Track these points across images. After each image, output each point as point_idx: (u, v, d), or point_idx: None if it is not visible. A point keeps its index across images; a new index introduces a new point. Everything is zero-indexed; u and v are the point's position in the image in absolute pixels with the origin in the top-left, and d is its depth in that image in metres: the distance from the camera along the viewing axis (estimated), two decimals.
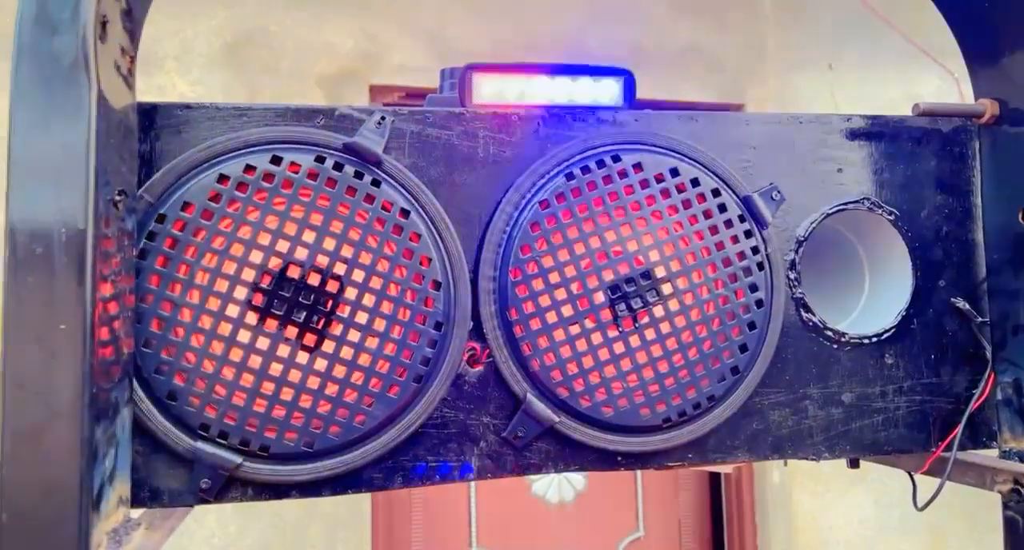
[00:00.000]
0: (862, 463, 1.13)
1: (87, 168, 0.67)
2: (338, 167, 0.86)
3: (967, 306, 1.05)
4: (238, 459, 0.83)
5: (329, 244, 0.85)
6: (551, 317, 0.91)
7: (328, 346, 0.85)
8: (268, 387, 0.83)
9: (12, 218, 0.65)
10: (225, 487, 0.84)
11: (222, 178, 0.83)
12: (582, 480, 3.00)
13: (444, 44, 2.80)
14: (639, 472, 3.02)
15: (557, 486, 2.97)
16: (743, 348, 0.96)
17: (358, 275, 0.85)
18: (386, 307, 0.86)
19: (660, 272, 0.93)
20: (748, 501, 3.07)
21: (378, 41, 2.76)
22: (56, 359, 0.65)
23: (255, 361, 0.83)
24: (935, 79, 3.07)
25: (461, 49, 2.79)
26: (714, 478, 3.16)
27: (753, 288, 0.96)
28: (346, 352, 0.85)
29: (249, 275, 0.83)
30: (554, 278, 0.91)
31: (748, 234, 0.96)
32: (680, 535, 3.11)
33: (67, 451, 0.65)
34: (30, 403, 0.64)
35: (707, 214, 0.95)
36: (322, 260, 0.85)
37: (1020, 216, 1.02)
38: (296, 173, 0.85)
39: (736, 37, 3.12)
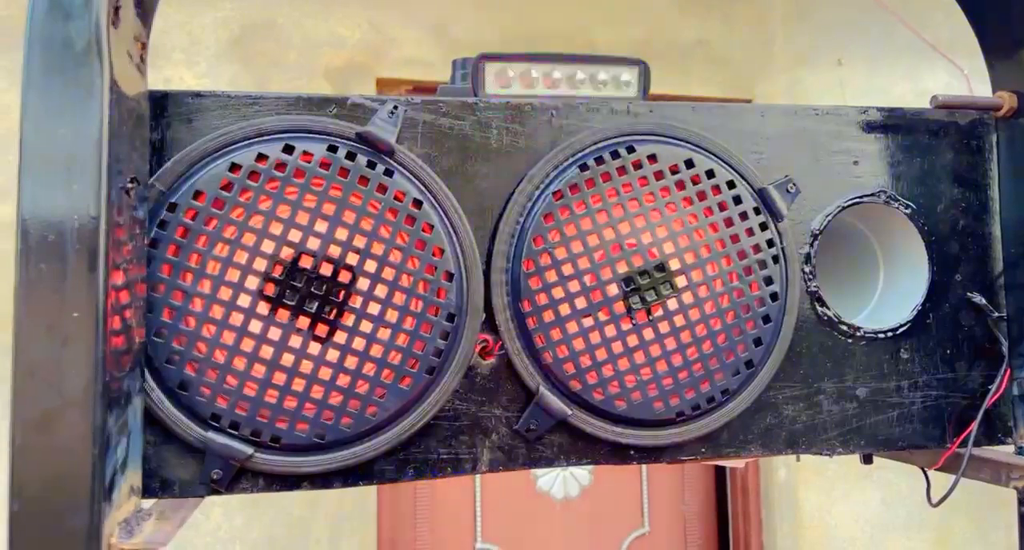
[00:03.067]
0: (873, 460, 1.12)
1: (99, 156, 0.66)
2: (350, 156, 0.85)
3: (983, 301, 1.04)
4: (249, 450, 0.82)
5: (341, 234, 0.84)
6: (564, 309, 0.90)
7: (340, 336, 0.84)
8: (279, 377, 0.83)
9: (24, 206, 0.65)
10: (236, 478, 0.83)
11: (234, 167, 0.83)
12: (588, 475, 2.99)
13: (451, 37, 2.79)
14: (645, 468, 3.02)
15: (563, 482, 2.96)
16: (757, 342, 0.95)
17: (370, 265, 0.85)
18: (398, 298, 0.86)
19: (674, 265, 0.92)
20: (754, 498, 3.06)
21: (385, 34, 2.75)
22: (68, 347, 0.64)
23: (266, 351, 0.82)
24: (944, 75, 3.05)
25: (468, 42, 2.78)
26: (720, 475, 3.16)
27: (768, 281, 0.95)
28: (358, 343, 0.84)
29: (261, 265, 0.82)
30: (567, 270, 0.90)
31: (763, 227, 0.95)
32: (685, 531, 3.10)
33: (79, 440, 0.64)
34: (42, 391, 0.64)
35: (722, 206, 0.94)
36: (334, 250, 0.84)
37: None
38: (308, 162, 0.84)
39: (744, 32, 3.10)
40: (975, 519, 3.06)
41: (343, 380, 0.84)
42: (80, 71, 0.66)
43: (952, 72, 2.94)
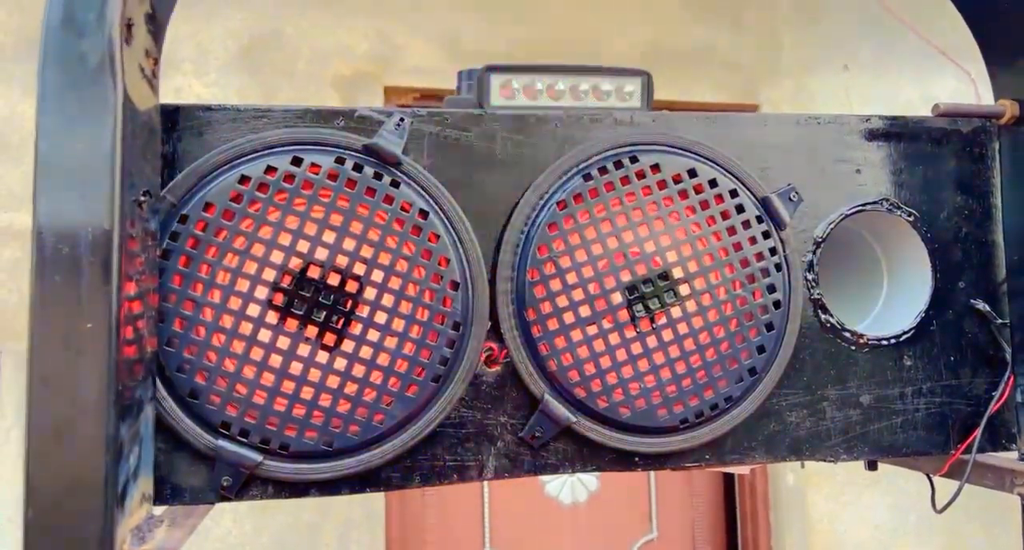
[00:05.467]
0: (879, 467, 1.12)
1: (112, 169, 0.67)
2: (358, 168, 0.86)
3: (987, 308, 1.04)
4: (258, 457, 0.84)
5: (349, 244, 0.85)
6: (569, 317, 0.91)
7: (348, 345, 0.85)
8: (288, 386, 0.84)
9: (39, 218, 0.66)
10: (246, 485, 0.85)
11: (243, 179, 0.84)
12: (595, 481, 2.99)
13: (458, 46, 2.81)
14: (653, 473, 3.02)
15: (571, 487, 2.97)
16: (761, 349, 0.95)
17: (377, 275, 0.86)
18: (405, 307, 0.87)
19: (678, 273, 0.93)
20: (762, 503, 3.06)
21: (392, 43, 2.77)
22: (82, 357, 0.65)
23: (275, 360, 0.84)
24: (951, 80, 3.05)
25: (475, 51, 2.80)
26: (728, 480, 3.15)
27: (771, 289, 0.96)
28: (365, 351, 0.86)
29: (270, 275, 0.84)
30: (572, 278, 0.91)
31: (766, 235, 0.96)
32: (694, 537, 3.10)
33: (92, 448, 0.65)
34: (56, 400, 0.65)
35: (725, 215, 0.95)
36: (342, 260, 0.85)
37: None
38: (316, 174, 0.86)
39: (751, 38, 3.11)
40: (986, 524, 3.04)
41: (350, 388, 0.85)
42: (93, 87, 0.68)
43: (960, 77, 2.93)
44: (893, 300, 1.10)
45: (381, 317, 0.86)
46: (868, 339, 1.01)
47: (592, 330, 0.92)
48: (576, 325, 0.91)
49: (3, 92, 2.43)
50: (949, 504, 1.00)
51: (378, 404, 0.86)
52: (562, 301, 0.91)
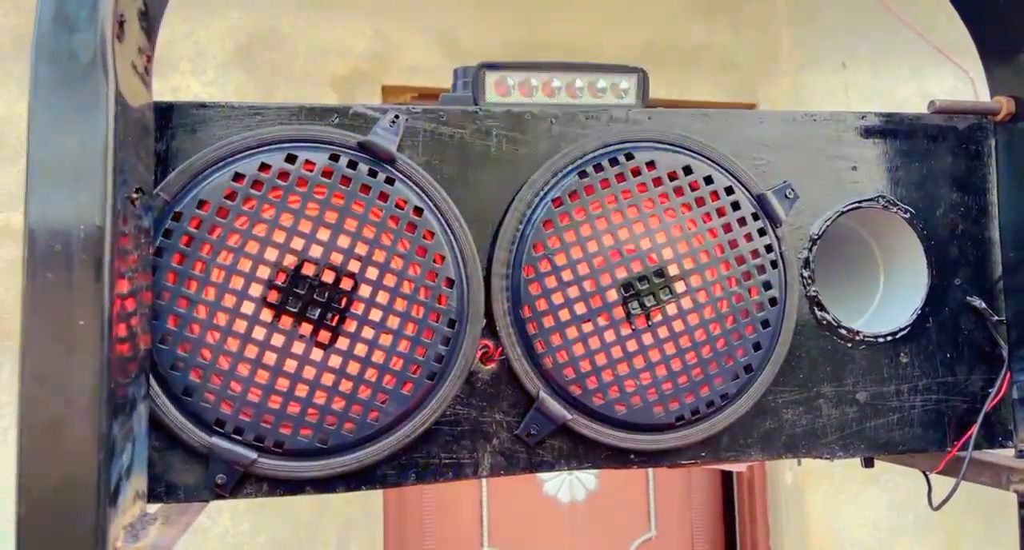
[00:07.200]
0: (876, 465, 1.12)
1: (105, 166, 0.67)
2: (352, 165, 0.86)
3: (983, 305, 1.04)
4: (253, 455, 0.83)
5: (343, 242, 0.85)
6: (564, 315, 0.91)
7: (342, 343, 0.85)
8: (282, 383, 0.84)
9: (31, 216, 0.66)
10: (240, 483, 0.84)
11: (237, 176, 0.84)
12: (594, 480, 2.99)
13: (455, 44, 2.80)
14: (651, 472, 3.02)
15: (569, 486, 2.96)
16: (756, 346, 0.95)
17: (372, 272, 0.86)
18: (400, 304, 0.87)
19: (673, 270, 0.93)
20: (761, 502, 3.06)
21: (390, 42, 2.76)
22: (74, 355, 0.65)
23: (270, 358, 0.84)
24: (949, 77, 3.05)
25: (472, 49, 2.79)
26: (726, 478, 3.15)
27: (767, 286, 0.96)
28: (360, 349, 0.85)
29: (264, 272, 0.84)
30: (567, 276, 0.91)
31: (762, 232, 0.96)
32: (692, 536, 3.09)
33: (85, 446, 0.65)
34: (49, 398, 0.65)
35: (720, 212, 0.95)
36: (336, 257, 0.85)
37: None
38: (311, 171, 0.85)
39: (749, 36, 3.11)
40: (985, 521, 3.04)
41: (345, 386, 0.85)
42: (85, 83, 0.67)
43: (957, 74, 2.93)
44: (889, 297, 1.09)
45: (376, 314, 0.86)
46: (864, 336, 1.01)
47: (587, 327, 0.91)
48: (571, 322, 0.91)
49: (0, 92, 2.43)
50: (945, 501, 1.00)
51: (373, 401, 0.86)
52: (557, 298, 0.91)
